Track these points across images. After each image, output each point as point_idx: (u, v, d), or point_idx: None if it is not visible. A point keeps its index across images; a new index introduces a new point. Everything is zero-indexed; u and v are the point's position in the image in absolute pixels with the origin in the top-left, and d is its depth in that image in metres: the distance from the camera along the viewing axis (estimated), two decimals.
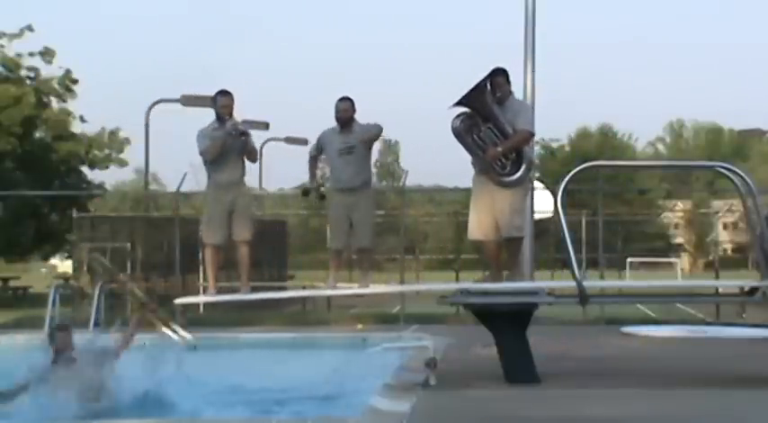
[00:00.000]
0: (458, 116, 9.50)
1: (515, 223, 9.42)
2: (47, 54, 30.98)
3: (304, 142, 37.22)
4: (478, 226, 9.54)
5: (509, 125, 9.46)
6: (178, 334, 10.81)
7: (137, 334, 8.97)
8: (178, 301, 11.68)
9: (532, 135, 9.56)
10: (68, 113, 31.48)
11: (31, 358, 9.02)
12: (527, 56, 14.71)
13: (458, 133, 9.50)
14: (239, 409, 8.62)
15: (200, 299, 11.61)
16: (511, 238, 9.47)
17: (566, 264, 9.21)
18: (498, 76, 9.55)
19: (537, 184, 16.37)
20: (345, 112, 10.36)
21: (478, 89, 9.41)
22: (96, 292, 13.56)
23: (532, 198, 15.03)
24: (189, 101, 27.15)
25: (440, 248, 41.41)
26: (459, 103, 9.44)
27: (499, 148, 9.38)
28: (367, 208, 10.46)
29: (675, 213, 62.07)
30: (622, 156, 73.99)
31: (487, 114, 9.46)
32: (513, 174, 9.43)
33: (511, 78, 9.74)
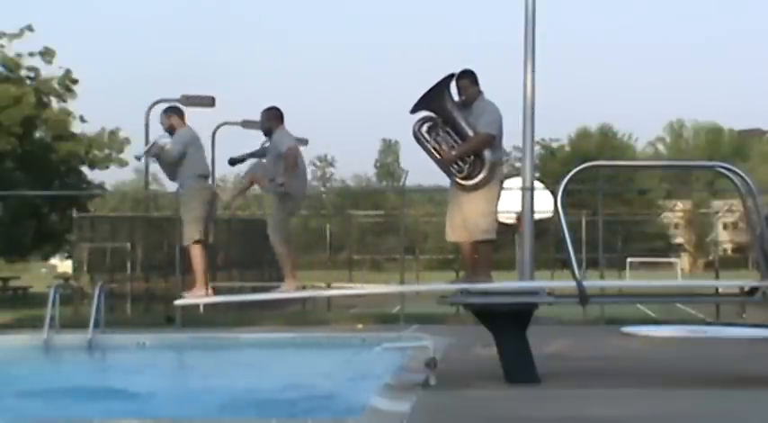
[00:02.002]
0: (419, 120, 9.52)
1: (481, 226, 9.38)
2: (47, 54, 30.98)
3: (305, 142, 37.34)
4: (451, 228, 9.63)
5: (471, 128, 9.43)
6: None
7: None
8: (178, 302, 11.69)
9: (492, 137, 9.37)
10: (68, 113, 31.50)
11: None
12: (527, 56, 14.70)
13: (417, 137, 9.53)
14: (238, 409, 8.62)
15: (200, 300, 11.61)
16: (479, 241, 9.45)
17: (566, 264, 9.20)
18: (462, 78, 9.49)
19: (537, 184, 16.37)
20: (264, 122, 10.72)
21: (435, 91, 9.40)
22: (96, 292, 13.56)
23: (532, 198, 15.05)
24: (189, 101, 27.16)
25: (440, 248, 41.37)
26: (417, 107, 9.43)
27: (453, 152, 9.38)
28: (274, 210, 10.55)
29: (675, 213, 62.12)
30: (622, 156, 74.10)
31: (446, 117, 9.45)
32: (473, 177, 9.41)
33: (478, 79, 9.57)
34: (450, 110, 9.42)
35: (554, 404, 8.04)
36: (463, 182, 9.44)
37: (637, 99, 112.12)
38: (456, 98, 9.57)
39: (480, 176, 9.37)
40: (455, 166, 9.41)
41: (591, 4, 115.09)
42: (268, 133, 10.67)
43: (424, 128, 9.49)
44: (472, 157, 9.38)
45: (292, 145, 10.49)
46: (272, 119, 10.58)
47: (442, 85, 9.42)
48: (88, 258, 21.98)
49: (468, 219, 9.43)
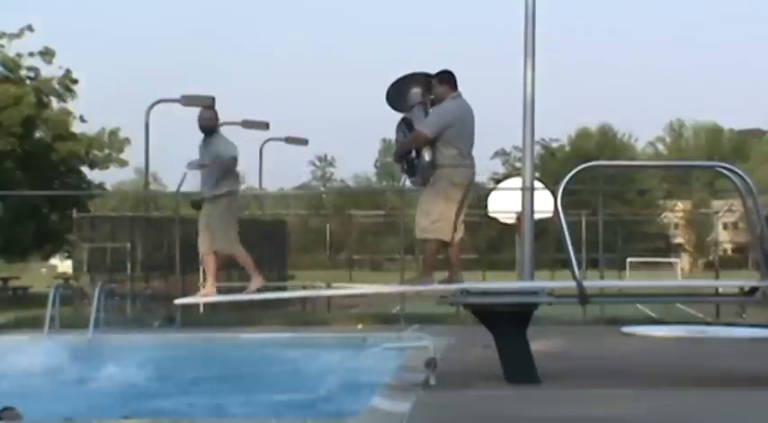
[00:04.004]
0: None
1: (420, 224, 9.30)
2: (47, 54, 31.04)
3: (304, 142, 37.34)
4: None
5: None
6: None
7: None
8: (178, 301, 11.71)
9: (422, 135, 9.19)
10: (68, 113, 31.53)
11: None
12: (527, 56, 14.73)
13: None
14: (238, 409, 8.63)
15: (200, 299, 11.64)
16: (422, 240, 9.39)
17: (566, 264, 9.19)
18: (432, 77, 9.40)
19: (537, 184, 16.37)
20: (209, 120, 10.76)
21: (395, 87, 9.39)
22: (96, 292, 13.57)
23: (532, 198, 15.05)
24: (189, 101, 27.17)
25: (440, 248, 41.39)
26: (389, 104, 9.44)
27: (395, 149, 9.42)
28: (220, 214, 10.87)
29: (675, 213, 62.14)
30: (622, 156, 74.07)
31: (410, 115, 9.44)
32: (415, 175, 9.38)
33: (453, 80, 9.38)
34: (410, 108, 9.39)
35: (554, 404, 8.04)
36: (410, 179, 9.48)
37: (637, 99, 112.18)
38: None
39: (417, 175, 9.34)
40: (400, 163, 9.44)
41: (591, 5, 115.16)
42: (211, 132, 10.97)
43: (398, 123, 9.52)
44: (414, 154, 9.34)
45: (236, 155, 10.93)
46: (216, 118, 10.95)
47: (402, 82, 9.39)
48: (88, 258, 21.97)
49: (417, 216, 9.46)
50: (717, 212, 40.35)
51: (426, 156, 9.22)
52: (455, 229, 9.33)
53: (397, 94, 9.41)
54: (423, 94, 9.41)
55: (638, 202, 62.93)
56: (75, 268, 23.49)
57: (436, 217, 9.20)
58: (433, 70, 9.46)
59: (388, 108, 9.49)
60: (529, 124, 15.07)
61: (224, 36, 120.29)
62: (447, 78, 9.39)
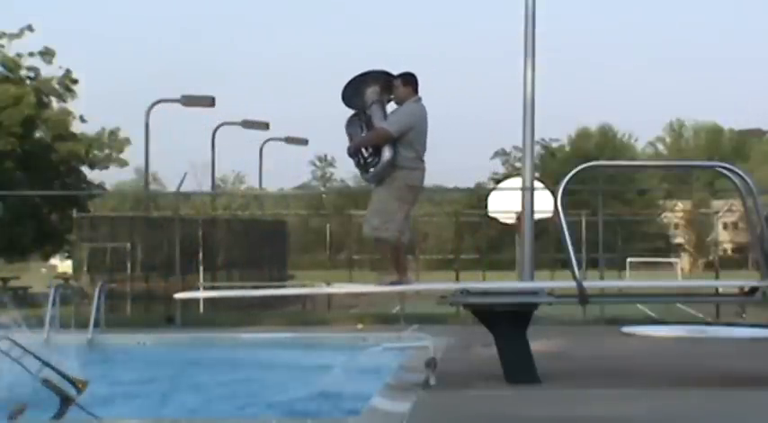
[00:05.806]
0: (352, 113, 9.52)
1: (371, 223, 9.28)
2: (47, 54, 31.05)
3: (304, 142, 37.39)
4: None
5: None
6: None
7: None
8: (177, 295, 11.75)
9: (386, 132, 9.17)
10: (68, 113, 31.55)
11: None
12: (527, 55, 14.75)
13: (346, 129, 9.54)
14: (240, 409, 8.63)
15: (200, 294, 11.66)
16: (374, 239, 9.35)
17: (566, 264, 9.20)
18: (396, 78, 9.38)
19: (537, 184, 16.38)
20: None
21: (352, 85, 9.37)
22: (96, 292, 13.57)
23: (532, 198, 15.06)
24: (189, 101, 27.21)
25: (440, 248, 41.48)
26: (343, 98, 9.40)
27: (350, 144, 9.37)
28: None
29: (675, 213, 62.14)
30: (622, 156, 74.13)
31: (367, 111, 9.40)
32: (368, 171, 9.33)
33: (415, 83, 9.39)
34: (370, 104, 9.37)
35: (554, 404, 8.04)
36: (364, 175, 9.45)
37: (637, 99, 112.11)
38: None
39: (372, 171, 9.33)
40: (354, 158, 9.42)
41: (591, 4, 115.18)
42: None
43: (351, 119, 9.48)
44: (369, 150, 9.31)
45: None
46: None
47: (361, 79, 9.40)
48: (88, 258, 21.98)
49: (367, 213, 9.44)
50: (717, 212, 40.31)
51: (387, 154, 9.20)
52: (402, 232, 9.32)
53: (354, 91, 9.39)
54: (380, 92, 9.40)
55: (638, 202, 62.92)
56: (75, 268, 23.49)
57: (387, 217, 9.20)
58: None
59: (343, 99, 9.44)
60: (529, 124, 15.09)
61: (224, 36, 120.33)
62: (411, 81, 9.42)
